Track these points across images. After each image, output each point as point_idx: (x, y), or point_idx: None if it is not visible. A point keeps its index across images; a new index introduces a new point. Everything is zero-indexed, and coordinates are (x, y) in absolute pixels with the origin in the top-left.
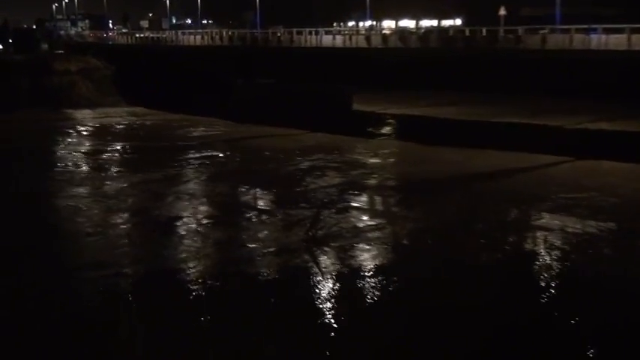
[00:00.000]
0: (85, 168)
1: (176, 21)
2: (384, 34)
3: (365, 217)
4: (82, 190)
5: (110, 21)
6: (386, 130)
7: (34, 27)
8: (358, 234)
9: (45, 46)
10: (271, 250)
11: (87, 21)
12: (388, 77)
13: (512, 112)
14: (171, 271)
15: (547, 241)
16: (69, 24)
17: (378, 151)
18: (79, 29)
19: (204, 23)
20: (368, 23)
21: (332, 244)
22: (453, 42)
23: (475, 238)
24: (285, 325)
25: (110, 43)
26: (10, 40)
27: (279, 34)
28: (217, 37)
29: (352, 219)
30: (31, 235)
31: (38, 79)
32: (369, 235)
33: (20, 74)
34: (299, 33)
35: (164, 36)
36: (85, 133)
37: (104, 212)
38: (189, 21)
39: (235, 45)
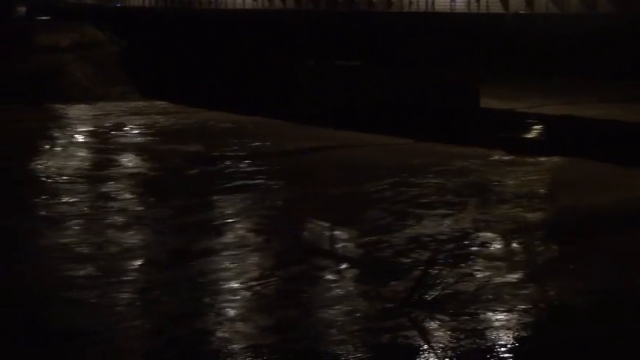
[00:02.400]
0: (78, 204)
1: None
2: None
3: (498, 272)
4: (78, 244)
5: None
6: (533, 138)
7: None
8: (487, 296)
9: (22, 9)
10: (357, 318)
11: None
12: (530, 60)
13: None
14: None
15: None
16: None
17: (524, 172)
18: None
19: None
20: None
21: (448, 311)
22: (637, 3)
23: None
24: None
25: (118, 5)
26: None
27: None
28: None
29: (479, 274)
30: None
31: (12, 59)
32: (504, 298)
33: None
34: None
35: None
36: (78, 141)
37: (108, 286)
38: None
39: (304, 10)
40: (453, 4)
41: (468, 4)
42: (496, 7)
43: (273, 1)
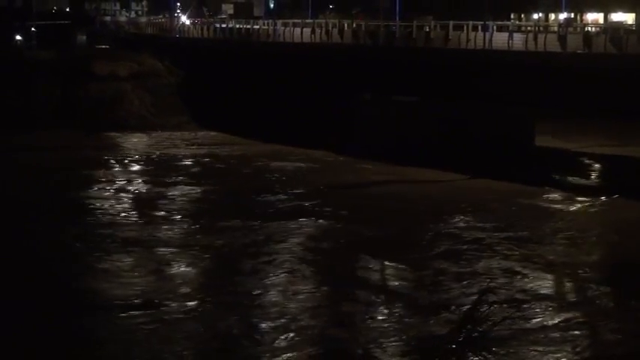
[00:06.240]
0: (137, 243)
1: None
2: (588, 32)
3: (549, 311)
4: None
5: (178, 3)
6: (589, 179)
7: (68, 10)
8: (537, 335)
9: (82, 38)
10: (400, 353)
11: (144, 3)
12: (589, 98)
13: None
14: None
15: None
16: (118, 7)
17: (576, 213)
18: (133, 15)
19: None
20: (563, 16)
21: (496, 350)
22: None
23: None
24: None
25: (177, 36)
26: (34, 29)
27: (427, 29)
28: (335, 30)
29: (529, 311)
30: None
31: (71, 86)
32: (555, 337)
33: (46, 79)
34: (458, 28)
35: (257, 28)
36: (134, 171)
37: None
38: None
39: (362, 44)
40: (510, 41)
41: (525, 42)
42: (554, 47)
43: (332, 34)
